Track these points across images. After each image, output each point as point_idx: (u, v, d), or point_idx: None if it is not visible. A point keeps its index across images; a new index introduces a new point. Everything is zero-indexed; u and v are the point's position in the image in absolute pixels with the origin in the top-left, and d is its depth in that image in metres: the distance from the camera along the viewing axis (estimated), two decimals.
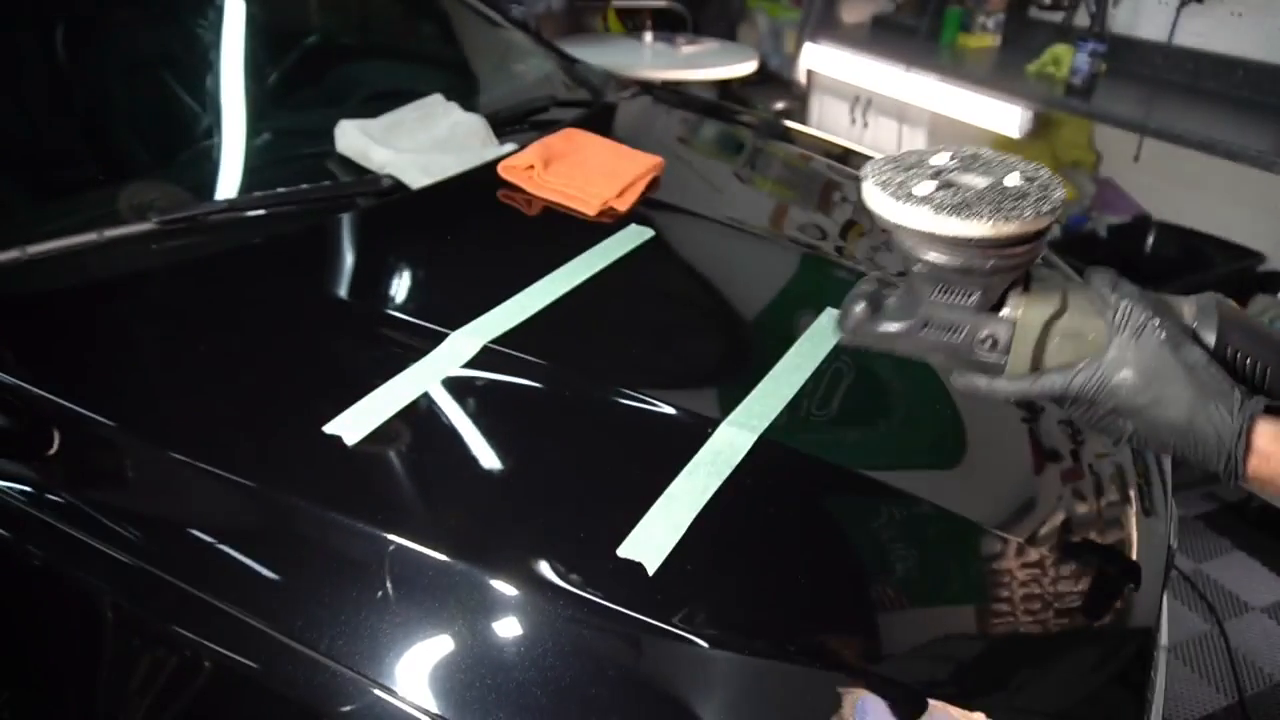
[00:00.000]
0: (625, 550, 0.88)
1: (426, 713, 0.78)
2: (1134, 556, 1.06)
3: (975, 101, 3.42)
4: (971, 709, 0.83)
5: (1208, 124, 2.70)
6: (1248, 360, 0.72)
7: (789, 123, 2.21)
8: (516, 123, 1.79)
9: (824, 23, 4.20)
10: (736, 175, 1.84)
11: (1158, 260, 3.05)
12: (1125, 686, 0.93)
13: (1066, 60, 3.29)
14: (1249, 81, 2.94)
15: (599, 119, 1.85)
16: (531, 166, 1.49)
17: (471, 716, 0.78)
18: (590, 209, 1.45)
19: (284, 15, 1.91)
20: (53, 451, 1.03)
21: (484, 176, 1.54)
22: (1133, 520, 1.11)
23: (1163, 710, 1.04)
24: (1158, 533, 1.11)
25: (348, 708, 0.79)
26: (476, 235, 1.43)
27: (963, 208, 0.69)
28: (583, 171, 1.50)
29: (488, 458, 1.00)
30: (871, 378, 1.23)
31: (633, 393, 1.09)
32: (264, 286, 1.22)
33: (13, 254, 1.18)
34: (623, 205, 1.46)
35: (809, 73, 4.31)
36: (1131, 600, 1.01)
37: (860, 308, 0.80)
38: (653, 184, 1.55)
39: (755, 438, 1.03)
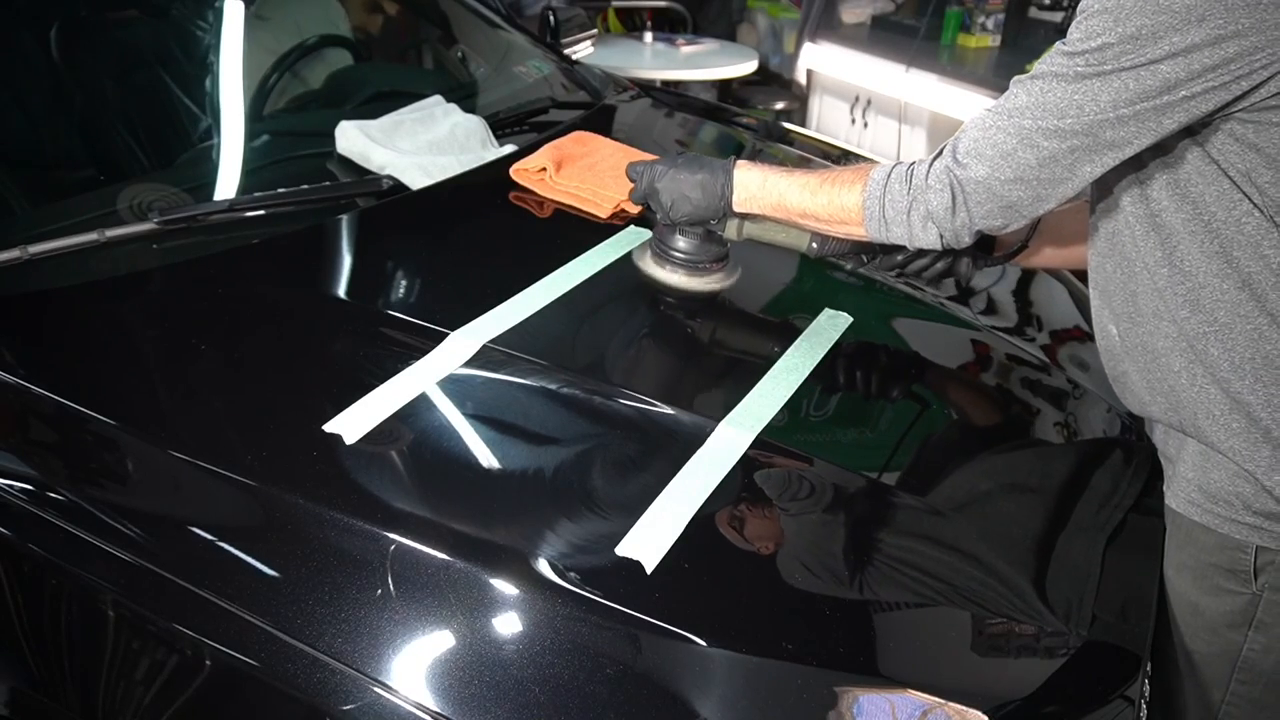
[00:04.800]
0: (624, 549, 0.88)
1: (426, 710, 0.78)
2: (1130, 560, 1.07)
3: (975, 101, 3.43)
4: (971, 709, 0.83)
5: None
6: None
7: (788, 124, 2.21)
8: (516, 124, 1.79)
9: (824, 23, 4.20)
10: None
11: None
12: (1119, 687, 0.93)
13: None
14: None
15: (598, 121, 1.86)
16: (544, 169, 1.49)
17: (470, 714, 0.78)
18: (603, 212, 1.45)
19: (284, 16, 1.91)
20: (54, 450, 1.03)
21: (484, 177, 1.54)
22: (1129, 526, 1.12)
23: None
24: (1151, 538, 1.11)
25: (348, 705, 0.79)
26: (476, 236, 1.43)
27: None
28: (594, 174, 1.50)
29: (486, 457, 1.00)
30: (868, 378, 1.23)
31: (631, 392, 1.09)
32: (264, 286, 1.22)
33: (13, 254, 1.18)
34: (635, 208, 1.47)
35: (809, 73, 4.31)
36: (1127, 604, 1.02)
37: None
38: None
39: (753, 437, 1.03)
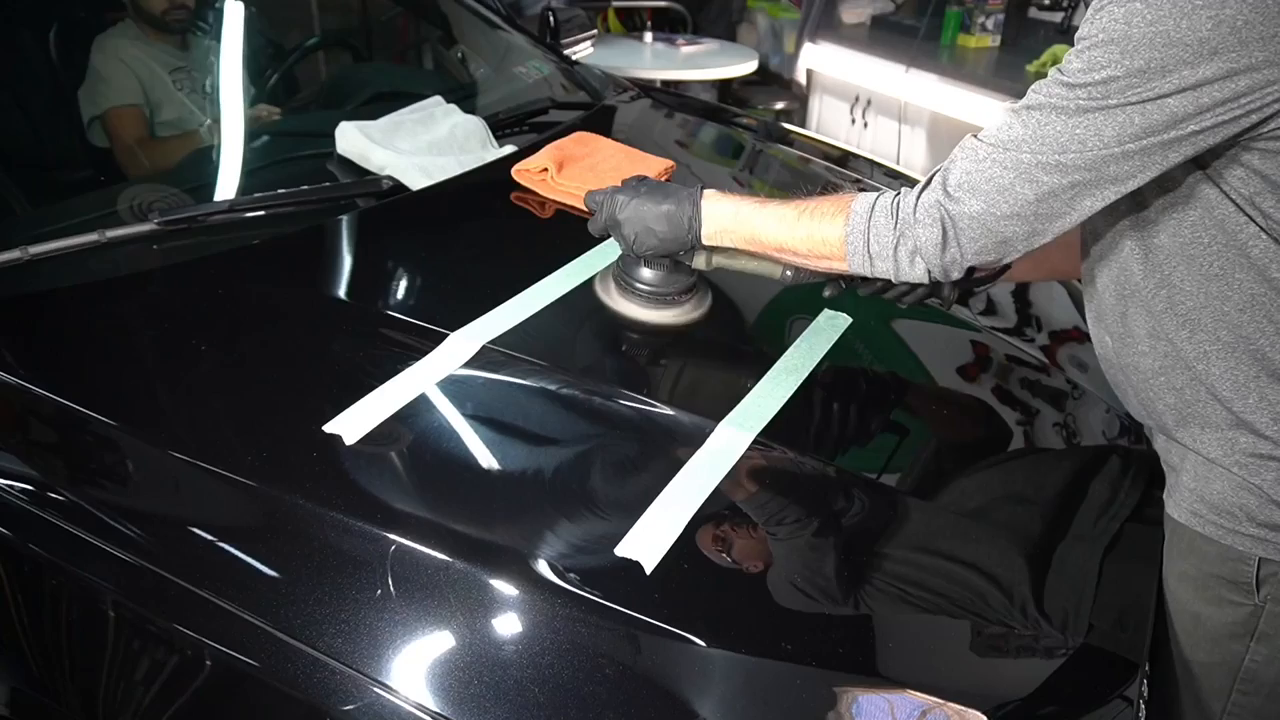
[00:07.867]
0: (623, 549, 0.89)
1: (426, 710, 0.78)
2: (1128, 566, 1.07)
3: (975, 101, 3.43)
4: (970, 709, 0.84)
5: None
6: None
7: (788, 125, 2.21)
8: (516, 125, 1.79)
9: (824, 23, 4.21)
10: (735, 178, 1.85)
11: None
12: (1118, 687, 0.93)
13: None
14: None
15: (598, 121, 1.86)
16: (545, 170, 1.49)
17: (470, 714, 0.78)
18: None
19: (285, 17, 1.92)
20: (54, 450, 1.03)
21: (484, 178, 1.54)
22: (1128, 532, 1.12)
23: None
24: (1149, 542, 1.11)
25: (348, 706, 0.79)
26: (476, 237, 1.43)
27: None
28: (595, 175, 1.50)
29: (486, 457, 1.00)
30: (867, 380, 1.23)
31: (631, 393, 1.10)
32: (264, 287, 1.22)
33: (13, 254, 1.18)
34: None
35: (809, 73, 4.31)
36: (1125, 609, 1.02)
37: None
38: None
39: (753, 438, 1.03)
